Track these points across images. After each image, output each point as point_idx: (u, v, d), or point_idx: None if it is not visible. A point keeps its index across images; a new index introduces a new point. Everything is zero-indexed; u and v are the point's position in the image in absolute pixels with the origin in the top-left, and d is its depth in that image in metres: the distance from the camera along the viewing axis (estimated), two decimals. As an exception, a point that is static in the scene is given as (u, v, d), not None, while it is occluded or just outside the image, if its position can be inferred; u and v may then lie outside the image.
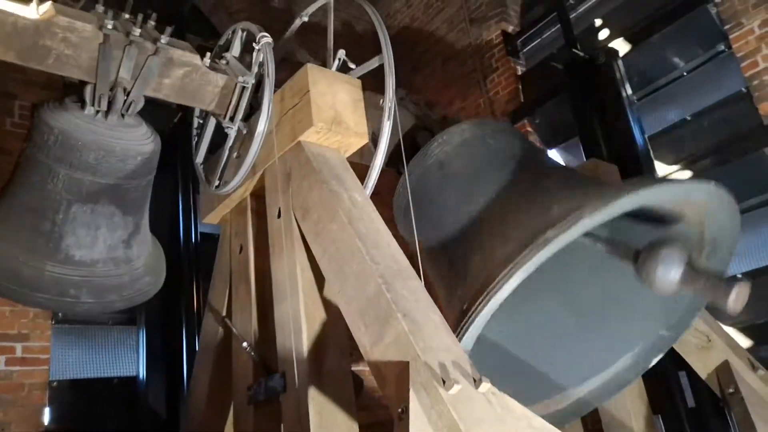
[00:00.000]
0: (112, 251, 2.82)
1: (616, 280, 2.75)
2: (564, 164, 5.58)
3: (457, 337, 2.01)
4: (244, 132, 2.82)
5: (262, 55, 2.75)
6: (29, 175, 2.60)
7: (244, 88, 2.79)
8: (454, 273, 2.56)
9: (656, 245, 2.30)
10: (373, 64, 2.81)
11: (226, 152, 2.92)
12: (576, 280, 2.92)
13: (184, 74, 2.67)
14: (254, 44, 2.77)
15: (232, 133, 2.85)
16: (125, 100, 2.53)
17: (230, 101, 2.82)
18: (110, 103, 2.51)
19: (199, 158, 3.17)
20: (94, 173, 2.56)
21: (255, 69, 2.79)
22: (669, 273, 2.22)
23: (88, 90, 2.48)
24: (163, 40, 2.57)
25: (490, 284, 2.05)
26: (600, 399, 2.94)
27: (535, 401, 2.74)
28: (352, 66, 2.84)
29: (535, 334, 2.89)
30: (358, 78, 2.79)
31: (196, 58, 2.70)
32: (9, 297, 2.69)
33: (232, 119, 2.82)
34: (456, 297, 2.39)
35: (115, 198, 2.73)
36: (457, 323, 2.13)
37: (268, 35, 2.76)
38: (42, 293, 2.65)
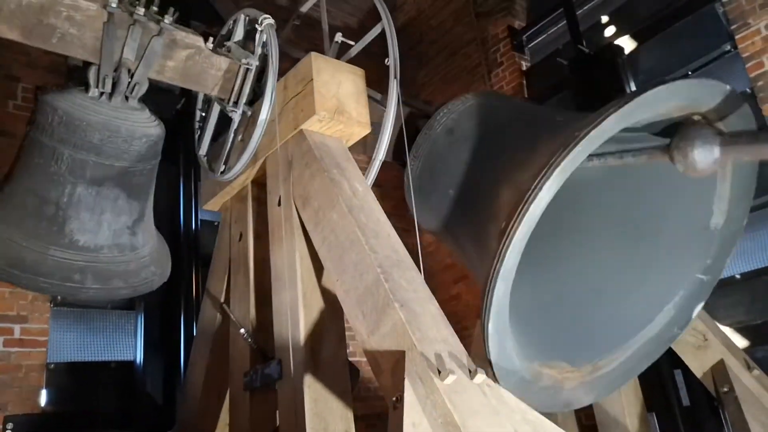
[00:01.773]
0: (117, 237, 2.81)
1: (648, 215, 2.65)
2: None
3: (498, 260, 1.87)
4: (249, 115, 2.82)
5: (265, 35, 2.74)
6: (32, 158, 2.59)
7: (248, 70, 2.78)
8: (481, 226, 2.42)
9: (684, 128, 2.16)
10: (373, 33, 2.81)
11: (231, 137, 2.92)
12: (606, 222, 2.81)
13: (188, 56, 2.66)
14: (257, 25, 2.77)
15: (236, 117, 2.84)
16: (129, 82, 2.53)
17: (234, 85, 2.82)
18: (114, 85, 2.51)
19: (202, 149, 3.17)
20: (99, 154, 2.55)
21: (258, 50, 2.78)
22: (708, 146, 2.09)
23: (92, 71, 2.47)
24: (166, 20, 2.57)
25: (525, 196, 1.87)
26: (648, 358, 2.75)
27: (582, 364, 2.57)
28: (351, 43, 2.84)
29: (575, 291, 2.77)
30: (361, 64, 2.79)
31: (199, 41, 2.69)
32: (12, 282, 2.67)
33: (236, 104, 2.82)
34: (490, 230, 2.23)
35: (120, 181, 2.72)
36: (497, 245, 1.94)
37: (270, 17, 2.76)
38: (45, 278, 2.64)
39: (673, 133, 2.19)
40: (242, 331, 2.63)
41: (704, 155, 2.10)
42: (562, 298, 2.73)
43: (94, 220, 2.67)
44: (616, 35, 5.24)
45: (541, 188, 1.84)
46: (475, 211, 2.52)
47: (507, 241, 1.86)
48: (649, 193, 2.62)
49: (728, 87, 2.15)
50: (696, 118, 2.19)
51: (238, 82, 2.82)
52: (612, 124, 1.91)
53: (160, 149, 2.83)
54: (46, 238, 2.61)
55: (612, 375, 2.63)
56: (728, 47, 4.64)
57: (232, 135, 2.91)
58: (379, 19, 2.86)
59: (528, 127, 2.60)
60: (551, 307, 2.70)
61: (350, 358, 2.62)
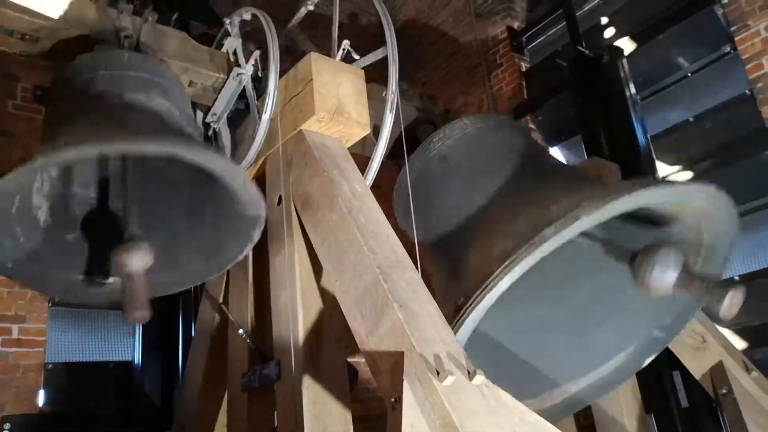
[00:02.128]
0: None
1: (612, 280, 2.75)
2: (565, 162, 5.58)
3: (455, 326, 2.05)
4: (249, 115, 2.83)
5: (254, 58, 2.79)
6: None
7: (240, 81, 2.83)
8: (452, 267, 2.57)
9: (653, 247, 2.32)
10: (377, 55, 2.81)
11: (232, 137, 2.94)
12: (572, 278, 2.93)
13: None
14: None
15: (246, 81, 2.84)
16: None
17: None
18: None
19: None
20: None
21: (252, 61, 2.81)
22: (665, 275, 2.25)
23: None
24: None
25: (487, 280, 2.07)
26: (593, 396, 2.97)
27: (529, 396, 2.76)
28: (356, 57, 2.84)
29: (531, 330, 2.90)
30: (362, 69, 2.79)
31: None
32: None
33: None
34: (452, 291, 2.40)
35: None
36: (453, 317, 2.14)
37: (266, 15, 2.77)
38: None
39: (641, 249, 2.36)
40: (241, 331, 2.62)
41: (660, 283, 2.27)
42: (516, 341, 2.87)
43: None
44: (616, 36, 5.25)
45: (502, 278, 2.05)
46: (449, 250, 2.67)
47: (462, 316, 2.09)
48: (613, 266, 2.67)
49: (714, 188, 2.28)
50: (663, 245, 2.35)
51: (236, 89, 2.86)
52: (601, 213, 2.06)
53: None
54: None
55: (553, 410, 2.84)
56: (728, 49, 4.65)
57: (233, 135, 2.91)
58: (377, 14, 2.85)
59: (517, 183, 2.68)
60: (504, 348, 2.85)
61: (349, 359, 2.61)
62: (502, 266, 2.05)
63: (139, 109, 2.21)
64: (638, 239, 2.45)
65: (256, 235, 2.35)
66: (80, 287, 2.38)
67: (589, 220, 2.05)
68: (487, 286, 2.06)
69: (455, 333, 2.04)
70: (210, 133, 2.98)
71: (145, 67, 2.41)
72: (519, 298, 2.81)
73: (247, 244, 2.39)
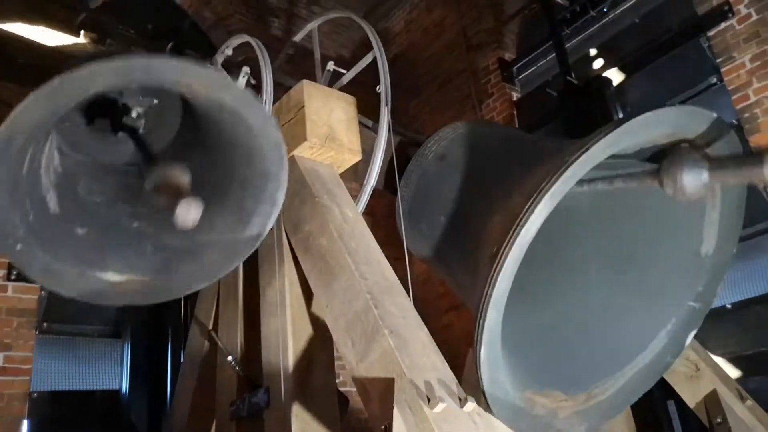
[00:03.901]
0: None
1: (639, 242, 2.66)
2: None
3: (489, 285, 1.85)
4: None
5: (242, 76, 2.80)
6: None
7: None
8: (475, 242, 2.35)
9: (672, 152, 2.17)
10: (366, 60, 2.85)
11: None
12: (597, 250, 2.80)
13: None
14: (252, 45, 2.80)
15: None
16: None
17: None
18: None
19: None
20: None
21: (242, 80, 2.82)
22: (697, 170, 2.10)
23: None
24: None
25: (515, 221, 1.86)
26: (643, 386, 2.72)
27: (576, 392, 2.52)
28: (343, 71, 2.88)
29: (567, 319, 2.74)
30: (353, 93, 2.82)
31: None
32: None
33: None
34: (481, 256, 2.17)
35: None
36: (488, 273, 1.92)
37: (261, 43, 2.80)
38: None
39: (662, 159, 2.22)
40: (230, 358, 2.59)
41: (693, 179, 2.11)
42: (555, 326, 2.72)
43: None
44: (605, 67, 5.34)
45: (532, 212, 1.83)
46: (467, 237, 2.51)
47: (498, 265, 1.84)
48: (640, 221, 2.63)
49: (714, 114, 2.19)
50: (684, 144, 2.22)
51: None
52: (601, 149, 1.93)
53: None
54: None
55: (606, 404, 2.60)
56: (714, 80, 4.73)
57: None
58: (371, 48, 2.90)
59: (518, 154, 2.63)
60: (544, 335, 2.68)
61: (340, 388, 2.58)
62: (530, 200, 1.85)
63: None
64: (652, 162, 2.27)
65: (280, 197, 2.12)
66: (92, 284, 2.23)
67: (604, 145, 1.91)
68: (519, 222, 1.84)
69: (493, 286, 1.85)
70: None
71: None
72: (549, 288, 2.75)
73: (273, 210, 2.14)
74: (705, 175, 2.11)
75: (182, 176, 1.90)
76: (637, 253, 2.71)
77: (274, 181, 2.06)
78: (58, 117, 1.99)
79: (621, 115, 4.93)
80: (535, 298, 2.73)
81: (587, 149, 1.88)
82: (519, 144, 2.78)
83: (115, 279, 2.20)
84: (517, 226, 1.84)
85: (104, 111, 2.39)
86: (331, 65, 2.89)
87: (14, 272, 4.03)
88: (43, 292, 4.15)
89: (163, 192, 1.88)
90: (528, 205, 1.84)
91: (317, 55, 2.97)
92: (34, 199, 2.02)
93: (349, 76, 2.87)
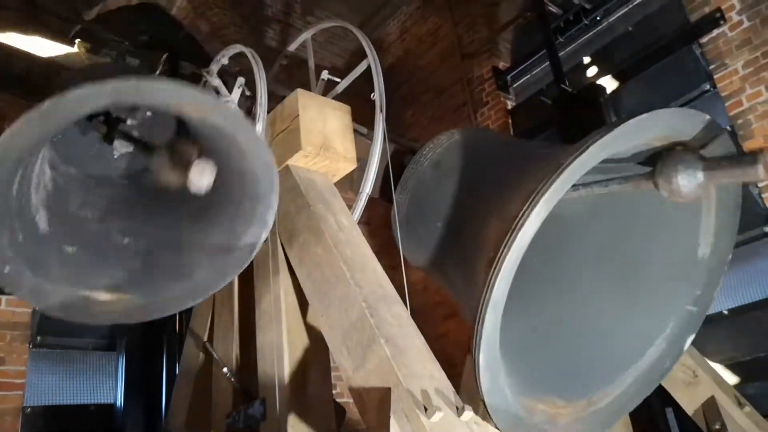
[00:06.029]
0: None
1: (636, 247, 2.66)
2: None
3: (487, 290, 1.85)
4: None
5: (239, 83, 2.79)
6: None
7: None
8: (471, 247, 2.33)
9: (667, 154, 2.17)
10: (360, 68, 2.86)
11: None
12: (594, 255, 2.80)
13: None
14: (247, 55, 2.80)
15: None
16: None
17: None
18: None
19: None
20: None
21: (237, 91, 2.82)
22: (691, 171, 2.12)
23: None
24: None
25: (511, 225, 1.87)
26: (642, 392, 2.70)
27: (576, 399, 2.51)
28: (338, 80, 2.88)
29: (566, 325, 2.73)
30: (348, 103, 2.82)
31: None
32: None
33: None
34: (478, 261, 2.19)
35: None
36: (485, 278, 1.91)
37: (255, 52, 2.80)
38: None
39: (656, 161, 2.23)
40: (225, 370, 2.56)
41: (688, 179, 2.13)
42: (554, 332, 2.71)
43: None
44: (599, 75, 5.36)
45: (528, 216, 1.83)
46: (463, 243, 2.50)
47: (496, 270, 1.83)
48: (636, 225, 2.63)
49: (707, 116, 2.20)
50: (678, 147, 2.23)
51: None
52: (595, 152, 1.94)
53: None
54: None
55: (606, 411, 2.58)
56: (707, 87, 4.75)
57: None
58: (365, 58, 2.90)
59: (513, 160, 2.62)
60: (543, 341, 2.67)
61: (338, 399, 2.56)
62: (526, 204, 1.86)
63: None
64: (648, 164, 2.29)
65: (270, 219, 2.08)
66: (81, 303, 2.20)
67: (598, 148, 1.93)
68: (515, 226, 1.85)
69: (491, 289, 1.84)
70: None
71: None
72: (547, 295, 2.74)
73: (263, 231, 2.10)
74: (700, 176, 2.12)
75: (191, 145, 1.89)
76: (635, 258, 2.70)
77: (265, 203, 2.04)
78: (49, 137, 1.98)
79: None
80: (532, 304, 2.72)
81: (582, 152, 1.89)
82: (514, 150, 2.78)
83: (104, 298, 2.17)
84: (514, 230, 1.84)
85: (97, 123, 2.38)
86: (325, 74, 2.89)
87: (7, 285, 3.99)
88: (36, 306, 4.12)
89: (175, 162, 1.86)
90: (524, 209, 1.84)
91: (311, 64, 2.97)
92: (24, 219, 2.00)
93: (343, 84, 2.87)
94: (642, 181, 2.27)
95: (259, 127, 2.69)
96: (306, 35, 3.28)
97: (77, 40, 2.62)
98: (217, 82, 2.94)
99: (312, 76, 2.90)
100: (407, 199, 2.88)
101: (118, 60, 2.71)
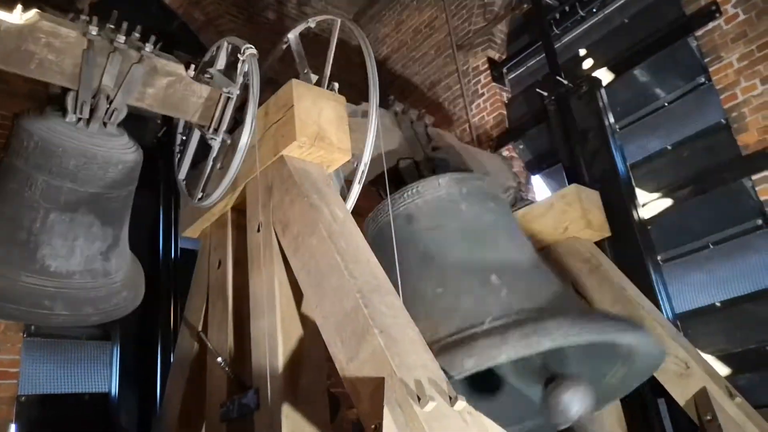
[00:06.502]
0: (90, 263, 2.76)
1: None
2: (548, 190, 5.63)
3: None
4: (228, 143, 2.81)
5: (247, 65, 2.76)
6: (6, 184, 2.55)
7: (228, 98, 2.79)
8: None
9: (559, 383, 2.43)
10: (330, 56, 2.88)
11: (210, 164, 2.91)
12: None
13: (168, 84, 2.66)
14: (239, 55, 2.79)
15: (216, 144, 2.84)
16: (108, 108, 2.51)
17: (214, 113, 2.82)
18: (92, 111, 2.49)
19: (182, 174, 3.15)
20: (74, 180, 2.52)
21: (240, 80, 2.80)
22: (567, 414, 2.40)
23: (70, 97, 2.45)
24: (147, 49, 2.57)
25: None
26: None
27: None
28: (335, 84, 2.87)
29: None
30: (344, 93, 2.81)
31: (180, 68, 2.69)
32: None
33: (216, 131, 2.82)
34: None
35: (94, 208, 2.68)
36: None
37: (253, 47, 2.78)
38: (15, 304, 2.57)
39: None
40: (219, 359, 2.57)
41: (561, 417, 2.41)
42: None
43: (66, 246, 2.62)
44: (594, 67, 5.35)
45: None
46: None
47: None
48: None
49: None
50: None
51: (219, 109, 2.82)
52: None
53: (136, 175, 2.80)
54: (18, 263, 2.56)
55: None
56: (702, 80, 4.75)
57: (211, 162, 2.90)
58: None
59: (471, 264, 2.73)
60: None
61: (333, 389, 2.57)
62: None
63: None
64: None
65: None
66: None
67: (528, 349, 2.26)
68: None
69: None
70: None
71: None
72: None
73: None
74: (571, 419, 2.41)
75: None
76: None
77: None
78: None
79: (611, 116, 4.95)
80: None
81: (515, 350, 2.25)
82: (481, 251, 2.87)
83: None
84: None
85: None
86: (335, 87, 2.86)
87: (1, 275, 3.98)
88: (31, 295, 4.10)
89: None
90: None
91: (327, 70, 2.92)
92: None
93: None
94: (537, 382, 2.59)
95: (249, 120, 2.68)
96: (301, 27, 3.25)
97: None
98: (218, 76, 2.92)
99: (325, 81, 2.87)
100: (375, 230, 3.07)
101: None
